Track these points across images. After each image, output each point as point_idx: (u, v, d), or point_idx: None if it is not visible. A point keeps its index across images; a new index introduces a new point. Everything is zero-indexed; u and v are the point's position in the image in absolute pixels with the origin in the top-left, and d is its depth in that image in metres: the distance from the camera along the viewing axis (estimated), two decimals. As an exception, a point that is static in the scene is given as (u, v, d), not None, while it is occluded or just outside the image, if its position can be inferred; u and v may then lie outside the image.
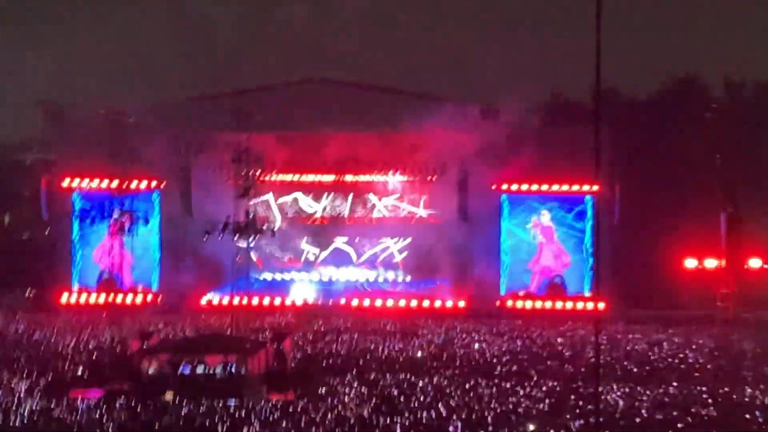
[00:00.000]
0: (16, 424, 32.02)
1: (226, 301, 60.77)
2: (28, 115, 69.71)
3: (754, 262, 60.56)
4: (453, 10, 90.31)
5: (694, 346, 49.14)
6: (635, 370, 43.10)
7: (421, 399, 36.33)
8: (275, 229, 62.27)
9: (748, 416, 33.96)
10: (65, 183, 63.38)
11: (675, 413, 33.97)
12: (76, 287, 63.38)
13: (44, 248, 66.56)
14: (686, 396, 37.06)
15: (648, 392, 37.65)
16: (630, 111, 67.51)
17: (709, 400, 36.15)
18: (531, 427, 32.01)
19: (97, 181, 62.55)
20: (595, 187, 59.93)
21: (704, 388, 38.24)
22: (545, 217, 62.76)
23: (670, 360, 45.78)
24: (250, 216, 55.79)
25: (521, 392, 37.77)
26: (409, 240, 65.39)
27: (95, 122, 62.91)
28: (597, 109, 28.94)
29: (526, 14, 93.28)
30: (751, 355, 46.71)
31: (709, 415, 33.95)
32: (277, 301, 63.21)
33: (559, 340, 51.32)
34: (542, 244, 62.90)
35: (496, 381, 39.94)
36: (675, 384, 39.21)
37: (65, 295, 62.77)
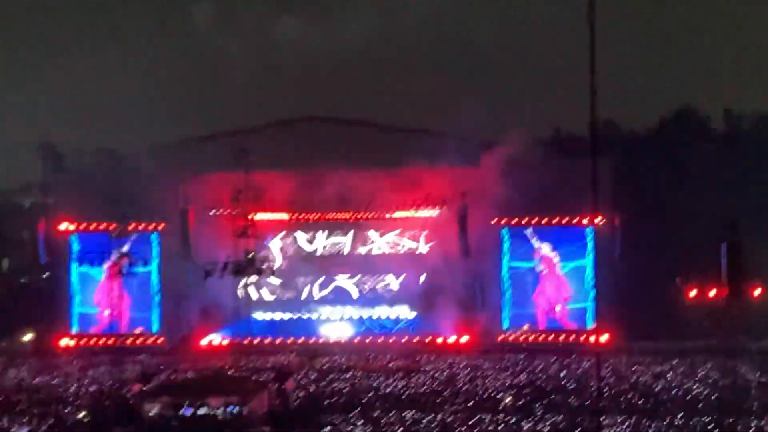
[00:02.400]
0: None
1: (227, 341, 60.57)
2: (27, 160, 69.67)
3: (756, 292, 60.28)
4: (452, 45, 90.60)
5: (698, 377, 48.94)
6: (640, 402, 42.89)
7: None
8: (275, 268, 62.10)
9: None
10: (63, 226, 63.23)
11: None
12: (75, 331, 63.13)
13: (43, 292, 66.35)
14: (691, 428, 36.83)
15: (653, 424, 37.46)
16: (630, 143, 67.51)
17: (715, 431, 35.93)
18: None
19: (95, 224, 62.41)
20: (596, 220, 59.90)
21: (709, 419, 38.02)
22: (546, 249, 62.57)
23: (674, 391, 45.56)
24: (250, 255, 55.69)
25: (525, 427, 37.58)
26: (410, 276, 65.16)
27: (93, 166, 62.91)
28: (594, 142, 28.88)
29: (526, 48, 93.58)
30: (755, 385, 46.50)
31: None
32: (279, 341, 62.92)
33: (563, 373, 51.09)
34: (544, 277, 62.67)
35: (501, 416, 39.76)
36: (680, 416, 38.98)
37: (65, 339, 62.50)
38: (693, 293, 61.34)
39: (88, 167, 63.52)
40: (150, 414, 37.73)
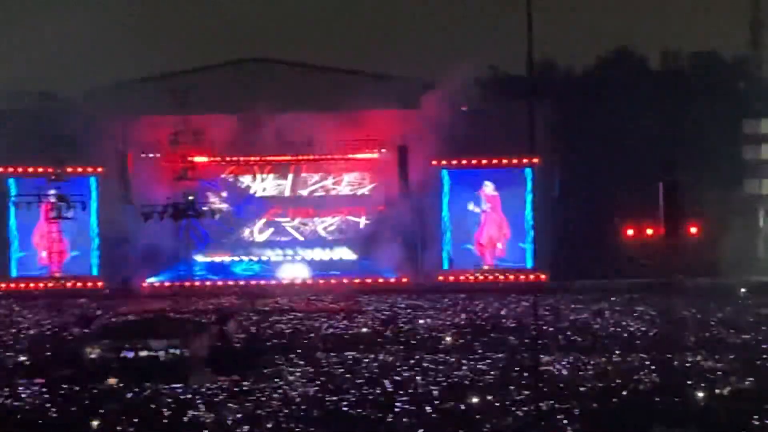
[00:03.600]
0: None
1: (167, 284, 60.47)
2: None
3: (693, 230, 61.05)
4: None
5: (635, 314, 49.58)
6: (579, 339, 43.42)
7: (367, 376, 36.39)
8: (215, 210, 61.97)
9: (689, 381, 34.30)
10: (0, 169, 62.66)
11: (618, 381, 34.25)
12: (14, 275, 62.73)
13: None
14: (629, 364, 37.36)
15: (591, 361, 37.95)
16: (568, 84, 67.73)
17: (652, 367, 36.47)
18: (475, 399, 32.13)
19: (32, 167, 61.86)
20: (535, 160, 60.30)
21: (646, 356, 38.58)
22: (489, 188, 62.84)
23: (612, 329, 46.15)
24: (189, 198, 55.54)
25: (466, 365, 37.94)
26: (351, 217, 65.30)
27: (30, 109, 62.27)
28: (531, 83, 29.08)
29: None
30: (690, 322, 47.19)
31: (652, 382, 34.27)
32: (220, 283, 62.93)
33: (503, 312, 51.55)
34: (484, 217, 62.99)
35: (441, 355, 40.11)
36: (618, 352, 39.52)
37: (3, 283, 62.09)
38: (631, 232, 62.12)
39: (24, 110, 62.74)
40: (91, 357, 37.68)
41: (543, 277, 57.90)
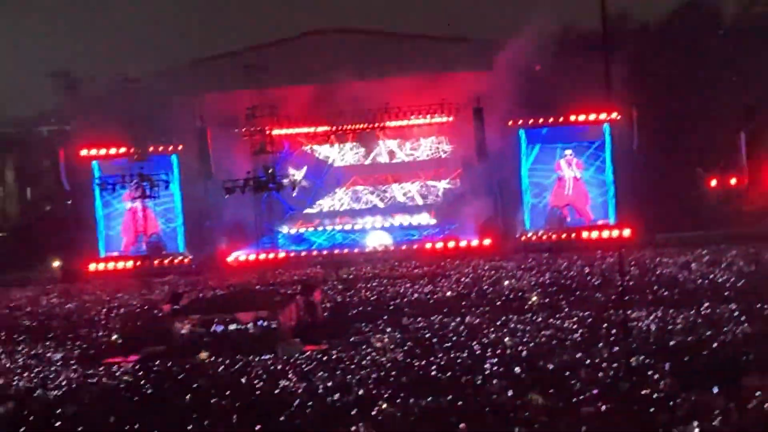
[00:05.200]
0: (54, 395, 32.28)
1: (252, 257, 61.03)
2: (43, 87, 69.68)
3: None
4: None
5: (722, 265, 49.06)
6: (665, 293, 43.10)
7: (454, 339, 36.46)
8: (296, 182, 62.43)
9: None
10: (83, 152, 63.55)
11: (708, 333, 33.98)
12: (102, 255, 63.70)
13: (68, 219, 66.85)
14: (718, 316, 37.02)
15: (680, 315, 37.66)
16: (643, 36, 66.94)
17: (742, 318, 36.10)
18: (563, 357, 32.10)
19: (114, 148, 62.73)
20: (613, 115, 59.78)
21: (736, 306, 38.18)
22: (567, 145, 62.53)
23: (699, 281, 45.73)
24: (269, 171, 55.92)
25: (553, 324, 37.87)
26: (430, 182, 65.34)
27: (108, 90, 62.96)
28: (606, 35, 28.73)
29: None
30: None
31: (742, 333, 33.93)
32: (303, 254, 63.37)
33: (587, 270, 51.33)
34: (563, 175, 62.72)
35: (528, 315, 40.07)
36: (706, 305, 39.16)
37: (92, 264, 63.04)
38: (714, 182, 61.65)
39: (104, 92, 63.45)
40: (181, 333, 38.17)
41: (627, 232, 57.45)
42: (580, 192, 62.63)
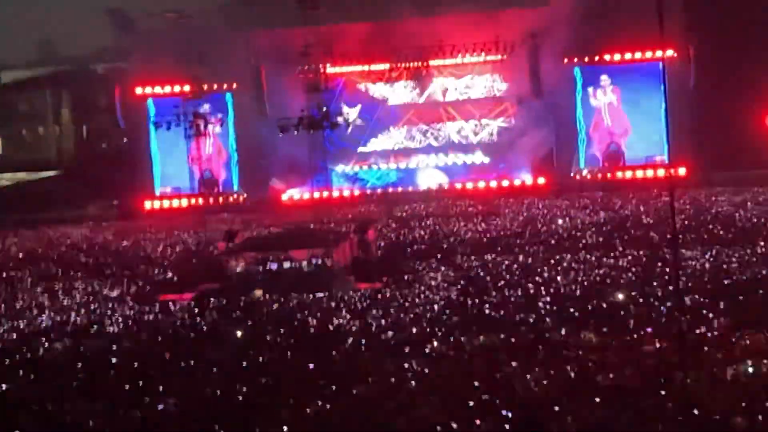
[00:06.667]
0: (111, 331, 32.72)
1: (306, 196, 61.18)
2: (98, 25, 69.95)
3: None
4: None
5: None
6: (721, 232, 42.84)
7: (508, 278, 36.50)
8: (350, 120, 62.41)
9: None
10: (139, 91, 63.79)
11: (763, 273, 33.80)
12: (158, 193, 64.10)
13: (124, 157, 67.35)
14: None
15: (735, 254, 37.45)
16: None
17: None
18: (620, 296, 32.07)
19: (169, 87, 62.91)
20: (669, 52, 59.03)
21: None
22: (620, 84, 61.99)
23: (755, 220, 45.40)
24: (323, 109, 55.92)
25: (607, 263, 37.80)
26: (484, 120, 65.04)
27: (164, 28, 63.01)
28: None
29: None
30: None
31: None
32: (357, 193, 63.45)
33: (642, 208, 51.08)
34: (618, 113, 62.22)
35: (582, 254, 39.99)
36: (762, 244, 38.90)
37: (148, 202, 63.48)
38: (771, 120, 60.88)
39: (159, 29, 63.54)
40: (236, 270, 38.43)
41: (682, 170, 56.99)
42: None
